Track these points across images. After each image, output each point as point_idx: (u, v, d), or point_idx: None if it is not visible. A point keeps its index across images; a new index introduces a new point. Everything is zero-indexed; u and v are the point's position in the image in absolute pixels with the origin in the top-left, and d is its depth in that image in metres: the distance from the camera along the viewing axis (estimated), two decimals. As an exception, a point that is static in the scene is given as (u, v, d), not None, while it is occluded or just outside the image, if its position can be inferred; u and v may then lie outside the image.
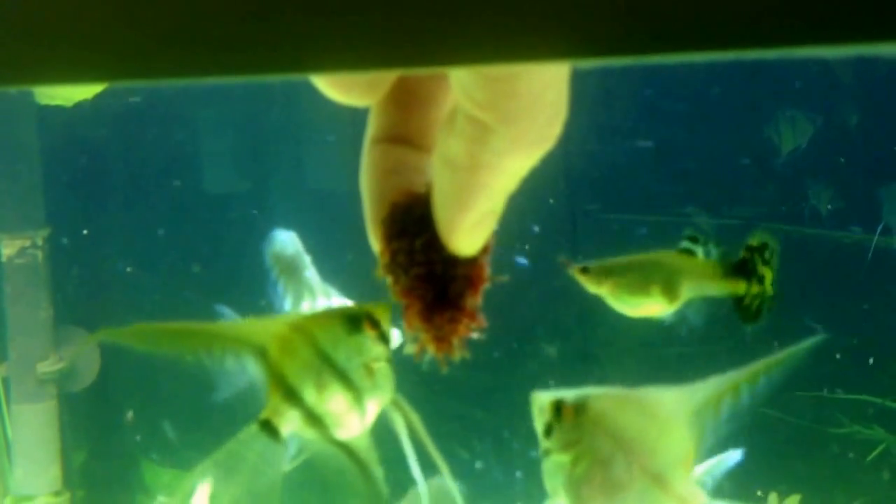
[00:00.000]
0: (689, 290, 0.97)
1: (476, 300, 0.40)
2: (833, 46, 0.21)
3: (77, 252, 2.74)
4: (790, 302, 2.72)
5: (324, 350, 0.40)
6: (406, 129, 0.40)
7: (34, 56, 0.24)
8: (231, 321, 0.42)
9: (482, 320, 0.40)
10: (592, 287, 0.98)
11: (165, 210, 2.90)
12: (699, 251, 0.99)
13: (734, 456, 1.21)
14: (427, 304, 0.39)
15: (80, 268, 2.74)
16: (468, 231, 0.37)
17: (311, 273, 1.34)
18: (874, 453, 2.42)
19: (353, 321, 0.41)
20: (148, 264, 2.86)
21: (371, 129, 0.41)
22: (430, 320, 0.39)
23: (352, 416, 0.40)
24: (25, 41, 0.24)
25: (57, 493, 2.39)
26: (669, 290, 0.96)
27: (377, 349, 0.41)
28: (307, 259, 1.32)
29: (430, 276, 0.39)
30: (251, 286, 2.87)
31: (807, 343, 0.79)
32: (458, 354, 0.40)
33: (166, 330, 0.44)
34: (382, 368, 0.41)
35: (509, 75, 0.32)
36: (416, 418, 0.44)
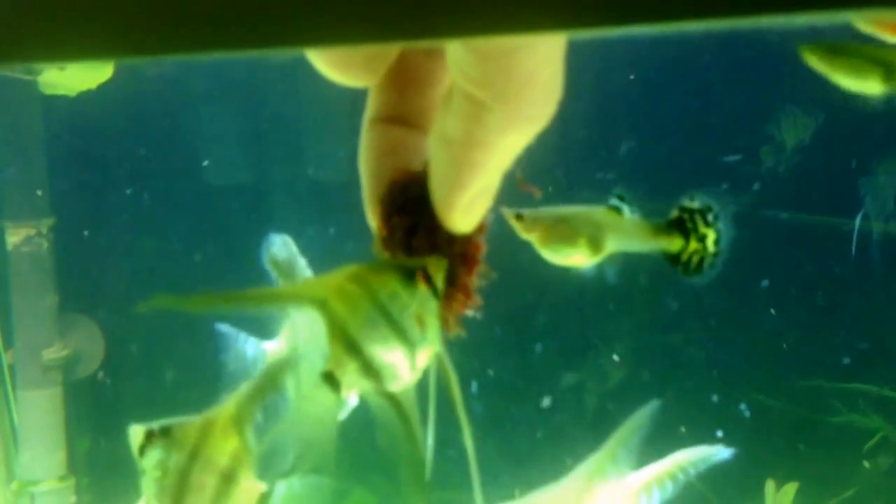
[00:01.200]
0: (612, 244, 1.04)
1: (472, 278, 0.41)
2: (835, 12, 0.21)
3: (81, 241, 2.75)
4: (788, 289, 2.72)
5: (381, 301, 0.40)
6: (404, 109, 0.41)
7: (38, 34, 0.25)
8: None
9: (478, 298, 0.41)
10: (523, 233, 1.05)
11: (169, 199, 2.91)
12: (626, 209, 1.06)
13: (721, 453, 1.22)
14: (423, 280, 0.40)
15: (85, 256, 2.76)
16: (464, 208, 0.38)
17: (307, 276, 1.34)
18: (871, 442, 2.44)
19: (408, 273, 0.41)
20: (151, 253, 2.87)
21: (370, 109, 0.42)
22: None
23: (405, 368, 0.41)
24: (29, 19, 0.25)
25: (62, 478, 2.42)
26: (594, 243, 1.03)
27: (429, 303, 0.41)
28: (303, 262, 1.31)
29: (426, 253, 0.40)
30: (253, 274, 2.88)
31: (646, 411, 0.91)
32: (454, 331, 0.41)
33: (224, 297, 0.44)
34: (432, 322, 0.41)
35: (504, 53, 0.33)
36: (454, 377, 0.44)
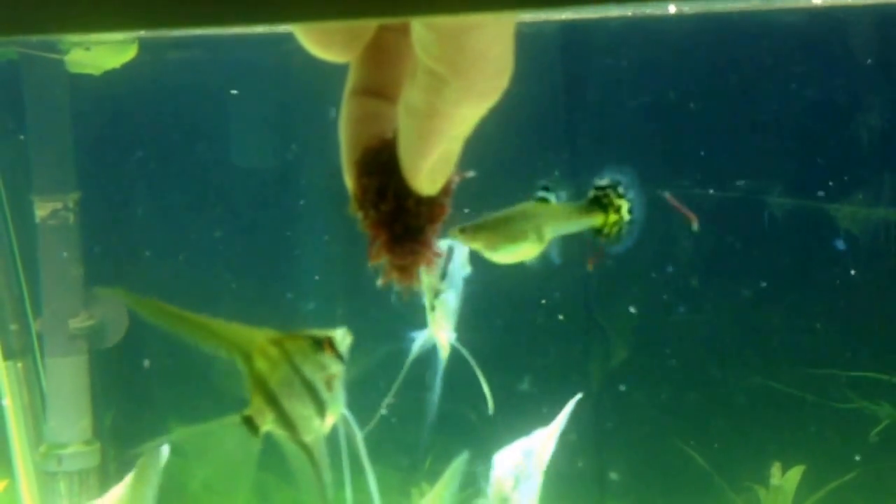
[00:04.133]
0: (552, 231, 1.13)
1: (436, 236, 0.45)
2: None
3: (107, 214, 2.83)
4: (803, 278, 2.72)
5: (296, 363, 0.48)
6: (379, 82, 0.45)
7: (58, 5, 0.29)
8: (225, 322, 0.52)
9: (441, 254, 0.45)
10: (470, 243, 1.13)
11: (191, 175, 2.98)
12: (552, 198, 1.14)
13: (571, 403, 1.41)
14: (391, 236, 0.44)
15: (110, 229, 2.84)
16: (429, 172, 0.42)
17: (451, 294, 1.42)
18: (878, 428, 2.45)
19: (317, 342, 0.49)
20: (174, 226, 2.94)
21: (349, 82, 0.46)
22: (394, 251, 0.44)
23: (315, 423, 0.48)
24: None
25: (88, 443, 2.51)
26: (537, 235, 1.12)
27: (334, 367, 0.49)
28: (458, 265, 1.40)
29: (394, 212, 0.44)
30: (270, 250, 2.94)
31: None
32: (418, 283, 0.45)
33: (173, 313, 0.53)
34: (337, 385, 0.50)
35: (459, 32, 0.37)
36: (356, 432, 0.54)
